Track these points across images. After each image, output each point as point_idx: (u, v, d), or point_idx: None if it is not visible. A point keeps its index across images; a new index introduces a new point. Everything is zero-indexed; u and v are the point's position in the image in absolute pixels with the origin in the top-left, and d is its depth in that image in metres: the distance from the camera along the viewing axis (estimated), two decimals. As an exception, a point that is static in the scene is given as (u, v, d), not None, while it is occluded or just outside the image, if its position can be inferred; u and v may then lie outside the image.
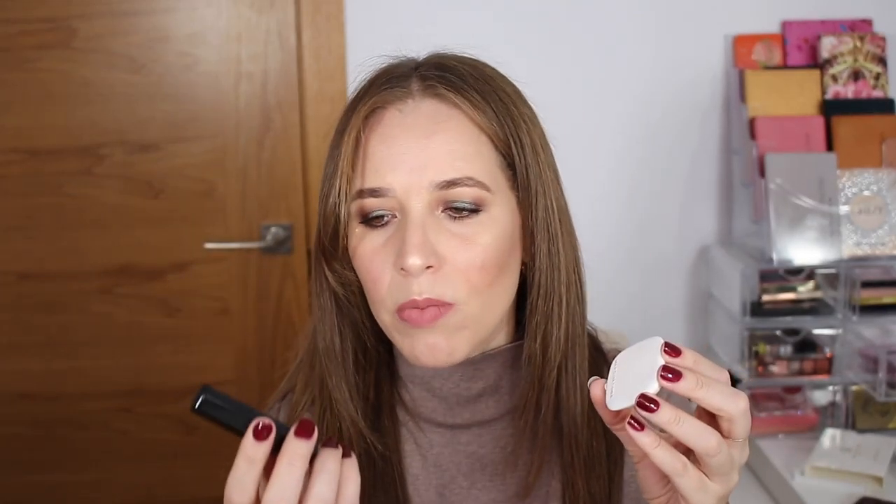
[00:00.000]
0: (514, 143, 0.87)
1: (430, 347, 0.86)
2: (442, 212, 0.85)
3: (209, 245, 2.06)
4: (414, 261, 0.82)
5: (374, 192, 0.85)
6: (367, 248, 0.86)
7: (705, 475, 0.71)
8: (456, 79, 0.87)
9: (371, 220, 0.86)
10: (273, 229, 2.05)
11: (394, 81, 0.88)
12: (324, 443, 0.72)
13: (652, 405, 0.69)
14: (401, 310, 0.85)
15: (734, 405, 0.70)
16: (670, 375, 0.69)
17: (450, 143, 0.85)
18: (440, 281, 0.84)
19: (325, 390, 0.94)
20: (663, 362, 0.71)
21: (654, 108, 2.01)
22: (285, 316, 2.10)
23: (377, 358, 0.95)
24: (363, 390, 0.94)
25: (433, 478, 0.94)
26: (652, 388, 0.70)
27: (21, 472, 2.14)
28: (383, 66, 0.92)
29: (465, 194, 0.85)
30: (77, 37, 1.99)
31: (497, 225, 0.86)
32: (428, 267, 0.83)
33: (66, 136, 2.02)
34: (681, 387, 0.69)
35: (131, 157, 2.03)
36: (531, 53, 1.98)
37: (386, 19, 1.96)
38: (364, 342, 0.94)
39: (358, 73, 0.92)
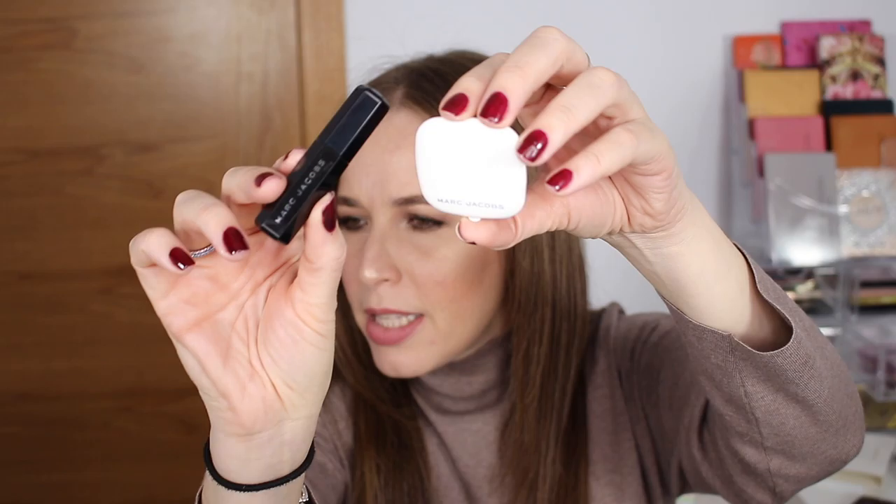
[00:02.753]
0: None
1: (392, 364, 0.88)
2: (406, 223, 0.86)
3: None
4: (368, 274, 0.84)
5: (346, 201, 0.87)
6: (347, 253, 0.88)
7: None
8: (435, 90, 0.86)
9: (348, 224, 0.88)
10: (273, 229, 2.05)
11: (380, 88, 0.88)
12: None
13: (562, 178, 0.49)
14: (367, 320, 0.87)
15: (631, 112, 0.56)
16: (537, 146, 0.47)
17: (411, 158, 0.83)
18: (400, 293, 0.85)
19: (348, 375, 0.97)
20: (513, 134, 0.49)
21: (653, 108, 2.00)
22: (285, 316, 2.10)
23: None
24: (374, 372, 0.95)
25: (445, 453, 0.95)
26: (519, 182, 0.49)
27: (21, 472, 2.14)
28: (385, 68, 0.92)
29: (422, 211, 0.85)
30: (78, 37, 1.99)
31: (461, 242, 0.85)
32: (385, 280, 0.85)
33: (66, 137, 2.02)
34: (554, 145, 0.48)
35: (132, 157, 2.03)
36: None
37: (386, 19, 1.97)
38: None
39: (363, 72, 0.92)
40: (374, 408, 0.95)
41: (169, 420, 2.13)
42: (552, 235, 0.89)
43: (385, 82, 0.89)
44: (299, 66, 2.01)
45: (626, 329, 0.95)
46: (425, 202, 0.82)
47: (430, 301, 0.85)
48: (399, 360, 0.87)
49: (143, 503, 2.17)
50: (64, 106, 2.01)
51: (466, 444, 0.95)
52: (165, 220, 2.08)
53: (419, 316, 0.86)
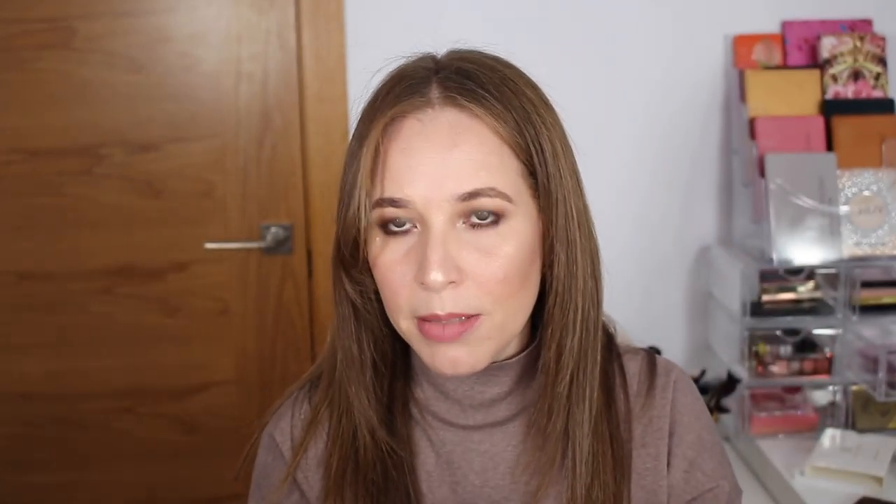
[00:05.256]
0: (536, 151, 0.87)
1: (451, 360, 0.86)
2: (463, 223, 0.85)
3: (209, 245, 2.06)
4: (435, 277, 0.82)
5: (394, 203, 0.84)
6: (388, 258, 0.86)
7: None
8: (476, 87, 0.86)
9: (391, 230, 0.86)
10: (273, 229, 2.05)
11: (413, 88, 0.86)
12: None
13: None
14: (421, 321, 0.86)
15: None
16: None
17: (471, 154, 0.84)
18: (462, 294, 0.84)
19: (342, 396, 0.95)
20: None
21: (654, 108, 2.01)
22: (285, 316, 2.10)
23: (392, 358, 0.95)
24: (379, 393, 0.94)
25: (446, 474, 0.95)
26: None
27: (21, 472, 2.14)
28: (400, 67, 0.90)
29: (486, 205, 0.84)
30: (77, 37, 1.99)
31: (518, 235, 0.86)
32: (451, 282, 0.83)
33: (65, 137, 2.02)
34: None
35: (131, 157, 2.03)
36: (530, 54, 1.97)
37: (386, 19, 1.96)
38: (382, 347, 0.94)
39: (370, 74, 0.91)
40: (351, 445, 0.94)
41: (169, 420, 2.13)
42: (578, 222, 0.89)
43: (412, 77, 0.88)
44: (299, 66, 2.00)
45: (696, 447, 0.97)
46: (489, 195, 0.83)
47: (491, 299, 0.85)
48: (458, 356, 0.86)
49: (143, 503, 2.17)
50: (63, 106, 2.01)
51: (474, 463, 0.94)
52: (165, 220, 2.09)
53: (471, 315, 0.86)
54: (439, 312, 0.84)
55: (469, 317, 0.85)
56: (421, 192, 0.83)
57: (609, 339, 0.98)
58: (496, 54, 0.92)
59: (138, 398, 2.12)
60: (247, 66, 2.01)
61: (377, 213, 0.85)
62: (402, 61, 0.91)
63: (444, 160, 0.84)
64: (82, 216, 2.05)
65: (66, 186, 2.04)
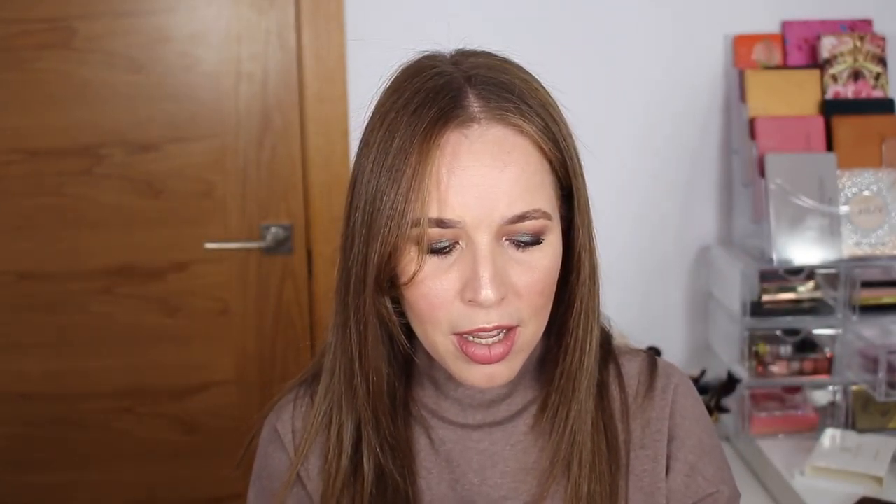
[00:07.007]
0: (570, 162, 0.87)
1: (488, 376, 0.87)
2: (506, 241, 0.85)
3: (209, 245, 2.06)
4: (488, 295, 0.82)
5: (442, 223, 0.83)
6: (429, 275, 0.84)
7: None
8: (520, 101, 0.85)
9: (432, 248, 0.84)
10: (273, 229, 2.05)
11: (453, 101, 0.84)
12: None
13: None
14: (463, 341, 0.85)
15: None
16: None
17: (519, 175, 0.83)
18: (506, 308, 0.85)
19: (349, 407, 0.93)
20: None
21: (653, 108, 2.01)
22: (285, 316, 2.10)
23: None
24: (390, 407, 0.94)
25: (445, 472, 0.95)
26: None
27: (21, 472, 2.14)
28: (417, 68, 0.87)
29: (531, 227, 0.84)
30: (77, 37, 1.99)
31: (553, 249, 0.87)
32: (502, 299, 0.84)
33: (66, 137, 2.02)
34: None
35: (131, 157, 2.03)
36: (530, 54, 1.97)
37: (386, 19, 1.96)
38: (399, 360, 0.94)
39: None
40: (353, 453, 0.94)
41: (169, 420, 2.13)
42: (592, 247, 0.91)
43: (445, 88, 0.85)
44: (299, 66, 2.00)
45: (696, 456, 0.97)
46: (535, 217, 0.83)
47: (530, 311, 0.86)
48: (496, 371, 0.87)
49: (143, 503, 2.17)
50: (63, 106, 2.01)
51: (472, 462, 0.95)
52: (165, 221, 2.09)
53: (513, 326, 0.86)
54: (486, 325, 0.84)
55: (510, 329, 0.85)
56: (472, 212, 0.82)
57: (605, 336, 0.98)
58: (505, 55, 0.91)
59: (138, 398, 2.12)
60: (247, 66, 2.01)
61: (420, 233, 0.83)
62: (409, 59, 0.89)
63: (495, 181, 0.83)
64: (82, 216, 2.05)
65: (66, 186, 2.04)
